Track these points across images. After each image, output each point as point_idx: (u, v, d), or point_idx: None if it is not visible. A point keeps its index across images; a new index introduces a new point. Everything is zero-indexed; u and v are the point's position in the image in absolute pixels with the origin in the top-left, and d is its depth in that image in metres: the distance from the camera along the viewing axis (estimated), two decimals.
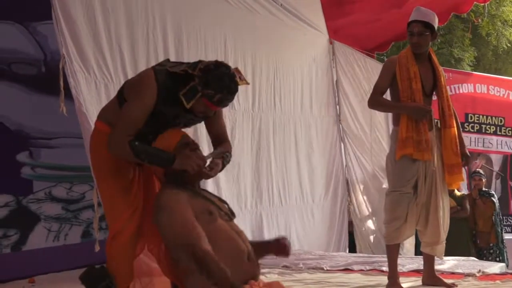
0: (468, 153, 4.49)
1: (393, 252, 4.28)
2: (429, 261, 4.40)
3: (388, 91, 4.45)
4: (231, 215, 3.02)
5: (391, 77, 4.26)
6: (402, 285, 4.24)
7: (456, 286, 4.29)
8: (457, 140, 4.30)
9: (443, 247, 4.43)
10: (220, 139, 3.36)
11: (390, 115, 8.39)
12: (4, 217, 5.22)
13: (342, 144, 8.28)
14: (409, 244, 8.42)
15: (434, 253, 4.40)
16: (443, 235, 4.37)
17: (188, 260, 2.66)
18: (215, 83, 2.95)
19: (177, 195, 2.78)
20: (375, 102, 4.39)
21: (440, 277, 4.38)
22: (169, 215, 2.67)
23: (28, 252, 5.38)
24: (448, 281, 4.37)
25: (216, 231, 2.78)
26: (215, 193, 5.89)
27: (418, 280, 4.44)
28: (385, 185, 8.91)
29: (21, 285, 4.79)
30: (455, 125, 4.33)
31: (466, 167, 9.48)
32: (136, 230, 3.11)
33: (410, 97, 4.17)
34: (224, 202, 3.11)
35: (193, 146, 2.92)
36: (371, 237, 8.39)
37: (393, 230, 4.24)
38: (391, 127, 8.74)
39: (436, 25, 4.31)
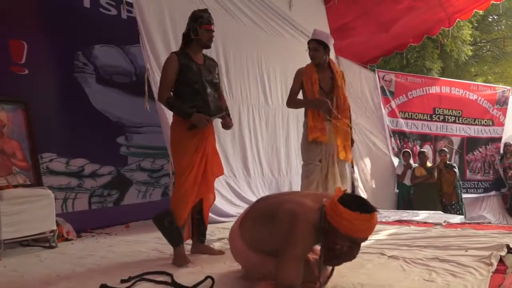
0: (354, 139, 4.41)
1: None
2: None
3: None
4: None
5: (300, 83, 4.13)
6: (389, 231, 4.10)
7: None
8: (349, 128, 4.21)
9: None
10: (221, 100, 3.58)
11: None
12: (109, 181, 5.30)
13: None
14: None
15: None
16: None
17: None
18: (196, 15, 3.38)
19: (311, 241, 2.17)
20: (290, 102, 4.27)
21: None
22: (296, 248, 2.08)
23: (125, 206, 5.47)
24: (421, 228, 4.22)
25: None
26: (259, 159, 5.98)
27: (400, 228, 4.31)
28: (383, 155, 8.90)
29: (120, 229, 4.87)
30: (348, 116, 4.22)
31: (432, 146, 9.53)
32: (192, 185, 3.26)
33: (312, 96, 4.07)
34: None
35: None
36: (370, 196, 8.36)
37: None
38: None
39: (328, 41, 4.13)
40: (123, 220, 5.17)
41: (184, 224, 3.31)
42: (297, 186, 7.07)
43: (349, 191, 4.14)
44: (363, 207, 2.05)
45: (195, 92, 3.32)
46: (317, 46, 4.05)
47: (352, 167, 8.02)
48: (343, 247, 2.09)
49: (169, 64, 3.34)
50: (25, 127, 4.29)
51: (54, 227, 3.90)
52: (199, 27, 3.35)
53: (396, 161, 8.91)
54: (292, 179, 6.84)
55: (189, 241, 3.50)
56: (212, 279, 2.44)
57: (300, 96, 4.30)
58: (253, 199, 5.82)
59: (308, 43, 4.14)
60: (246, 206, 2.78)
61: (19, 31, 4.61)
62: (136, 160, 5.65)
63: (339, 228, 2.03)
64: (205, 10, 3.45)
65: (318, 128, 4.02)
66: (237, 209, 5.17)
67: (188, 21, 3.42)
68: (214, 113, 3.39)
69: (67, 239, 4.21)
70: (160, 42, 4.85)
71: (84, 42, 5.20)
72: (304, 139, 4.21)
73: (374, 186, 8.47)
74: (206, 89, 3.37)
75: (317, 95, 4.04)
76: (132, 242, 4.06)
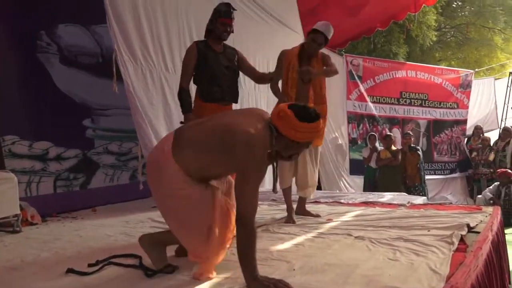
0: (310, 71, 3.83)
1: (287, 193, 4.02)
2: (301, 199, 4.16)
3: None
4: None
5: (281, 66, 3.94)
6: (355, 212, 4.19)
7: (320, 216, 4.03)
8: (326, 116, 4.06)
9: (311, 190, 4.11)
10: (256, 73, 3.94)
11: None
12: (74, 164, 5.21)
13: None
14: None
15: (305, 195, 4.13)
16: (310, 182, 4.05)
17: None
18: (216, 8, 3.71)
19: None
20: (270, 87, 4.01)
21: (308, 210, 4.15)
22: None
23: (92, 190, 5.39)
24: (386, 209, 4.31)
25: None
26: None
27: (366, 209, 4.38)
28: (340, 141, 9.03)
29: (86, 213, 4.79)
30: (325, 102, 4.02)
31: (400, 130, 9.72)
32: None
33: (287, 81, 3.87)
34: None
35: None
36: (332, 180, 8.51)
37: (282, 178, 4.00)
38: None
39: (330, 37, 3.93)
40: (89, 204, 5.09)
41: None
42: None
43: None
44: (312, 116, 2.18)
45: (212, 78, 3.60)
46: (323, 41, 3.86)
47: None
48: (297, 151, 2.31)
49: (188, 53, 3.65)
50: None
51: (18, 211, 3.80)
52: (215, 20, 3.67)
53: (347, 146, 9.14)
54: None
55: None
56: (174, 266, 2.42)
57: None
58: None
59: (315, 33, 3.86)
60: None
61: None
62: (103, 143, 5.55)
63: (294, 138, 2.17)
64: (227, 4, 3.72)
65: None
66: None
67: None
68: (227, 98, 3.69)
69: (31, 224, 4.12)
70: (130, 21, 4.74)
71: (47, 21, 5.04)
72: None
73: (328, 170, 8.64)
74: (224, 75, 3.65)
75: (294, 81, 3.86)
76: (99, 226, 4.00)
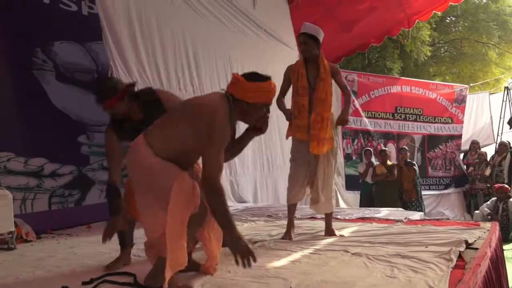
0: (347, 119, 3.91)
1: (291, 209, 3.98)
2: (325, 218, 4.01)
3: None
4: None
5: (288, 80, 3.97)
6: (352, 228, 4.17)
7: (343, 236, 3.86)
8: (328, 120, 3.86)
9: (322, 206, 3.94)
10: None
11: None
12: (69, 181, 5.19)
13: None
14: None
15: (317, 211, 4.10)
16: (321, 196, 3.89)
17: None
18: None
19: None
20: (277, 101, 3.88)
21: (333, 229, 3.94)
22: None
23: (86, 206, 5.35)
24: (383, 225, 4.28)
25: None
26: None
27: (363, 225, 4.37)
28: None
29: (81, 230, 4.76)
30: (329, 111, 3.89)
31: (395, 145, 9.74)
32: None
33: (298, 91, 3.88)
34: None
35: None
36: None
37: (292, 193, 3.95)
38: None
39: (318, 34, 3.87)
40: (84, 220, 5.05)
41: None
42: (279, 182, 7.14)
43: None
44: (261, 77, 2.44)
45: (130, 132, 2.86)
46: (306, 39, 3.86)
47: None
48: (259, 116, 2.49)
49: (106, 144, 3.06)
50: None
51: (13, 229, 3.77)
52: None
53: (342, 162, 9.14)
54: (276, 175, 6.97)
55: None
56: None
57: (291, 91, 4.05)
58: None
59: (298, 37, 3.97)
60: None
61: None
62: (98, 159, 5.52)
63: (247, 99, 2.38)
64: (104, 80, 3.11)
65: (295, 125, 3.85)
66: None
67: None
68: None
69: (26, 241, 4.09)
70: (126, 38, 4.80)
71: (43, 39, 5.06)
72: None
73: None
74: None
75: (302, 91, 3.86)
76: (94, 243, 3.95)
